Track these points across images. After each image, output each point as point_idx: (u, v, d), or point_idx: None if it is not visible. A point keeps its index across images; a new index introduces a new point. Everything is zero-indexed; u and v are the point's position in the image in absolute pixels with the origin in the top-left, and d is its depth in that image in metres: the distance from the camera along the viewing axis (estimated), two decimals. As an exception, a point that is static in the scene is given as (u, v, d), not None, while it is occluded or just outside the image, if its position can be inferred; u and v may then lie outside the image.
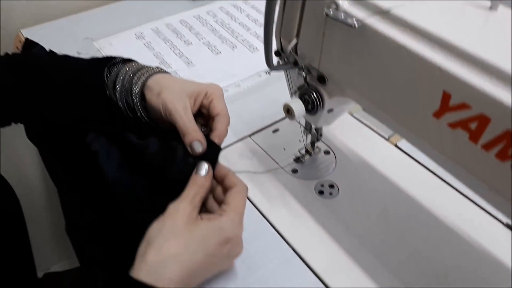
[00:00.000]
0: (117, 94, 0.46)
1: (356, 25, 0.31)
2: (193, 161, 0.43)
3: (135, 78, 0.45)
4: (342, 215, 0.50)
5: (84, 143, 0.54)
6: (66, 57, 0.52)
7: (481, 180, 0.29)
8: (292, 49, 0.40)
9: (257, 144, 0.59)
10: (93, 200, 0.53)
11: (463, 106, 0.28)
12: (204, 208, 0.43)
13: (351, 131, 0.61)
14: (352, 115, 0.64)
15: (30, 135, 0.66)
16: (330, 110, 0.43)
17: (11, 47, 0.83)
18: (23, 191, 0.60)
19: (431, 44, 0.29)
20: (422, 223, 0.49)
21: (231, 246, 0.40)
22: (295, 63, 0.42)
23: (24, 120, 0.53)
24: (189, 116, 0.43)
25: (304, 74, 0.41)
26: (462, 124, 0.28)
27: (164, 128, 0.47)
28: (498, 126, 0.26)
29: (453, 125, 0.29)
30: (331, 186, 0.54)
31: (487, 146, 0.27)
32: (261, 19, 0.84)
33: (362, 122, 0.63)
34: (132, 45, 0.77)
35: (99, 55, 0.74)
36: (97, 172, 0.50)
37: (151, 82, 0.45)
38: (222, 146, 0.58)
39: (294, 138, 0.59)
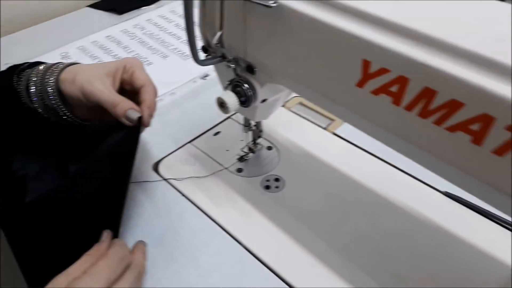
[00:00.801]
0: (33, 100, 0.43)
1: (272, 5, 0.31)
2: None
3: (47, 76, 0.43)
4: (290, 206, 0.50)
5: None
6: None
7: (407, 140, 0.30)
8: (217, 42, 0.40)
9: (199, 149, 0.58)
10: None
11: (382, 71, 0.29)
12: None
13: (290, 125, 0.62)
14: (289, 109, 0.65)
15: None
16: (264, 100, 0.43)
17: None
18: None
19: (345, 15, 0.29)
20: (365, 202, 0.50)
21: None
22: (223, 56, 0.41)
23: None
24: (112, 90, 0.42)
25: (233, 66, 0.40)
26: (384, 89, 0.29)
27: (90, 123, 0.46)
28: (417, 85, 0.27)
29: (376, 92, 0.30)
30: (277, 179, 0.54)
31: (409, 107, 0.28)
32: (191, 27, 0.84)
33: (299, 115, 0.64)
34: (57, 66, 0.74)
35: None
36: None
37: (63, 74, 0.43)
38: (163, 154, 0.57)
39: (236, 139, 0.59)
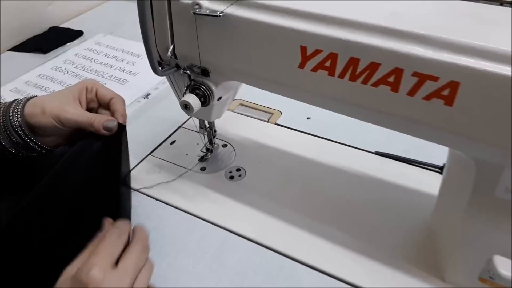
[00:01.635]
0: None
1: (221, 14, 0.39)
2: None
3: (11, 115, 0.45)
4: (255, 188, 0.57)
5: None
6: None
7: (344, 101, 0.39)
8: (171, 54, 0.46)
9: (160, 158, 0.63)
10: None
11: (317, 52, 0.37)
12: None
13: (237, 123, 0.69)
14: (233, 111, 0.72)
15: None
16: (219, 98, 0.50)
17: None
18: None
19: (281, 14, 0.37)
20: (313, 172, 0.59)
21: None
22: (178, 66, 0.47)
23: None
24: (84, 111, 0.47)
25: (188, 73, 0.47)
26: (320, 65, 0.38)
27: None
28: (344, 57, 0.36)
29: (314, 69, 0.38)
30: (238, 169, 0.60)
31: (341, 75, 0.37)
32: (120, 54, 0.89)
33: (243, 114, 0.71)
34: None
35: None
36: None
37: (28, 109, 0.46)
38: (127, 169, 0.61)
39: (192, 143, 0.65)
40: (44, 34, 0.97)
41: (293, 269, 0.47)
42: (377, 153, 0.62)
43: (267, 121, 0.70)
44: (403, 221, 0.52)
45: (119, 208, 0.47)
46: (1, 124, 0.46)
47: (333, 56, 0.37)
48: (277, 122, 0.69)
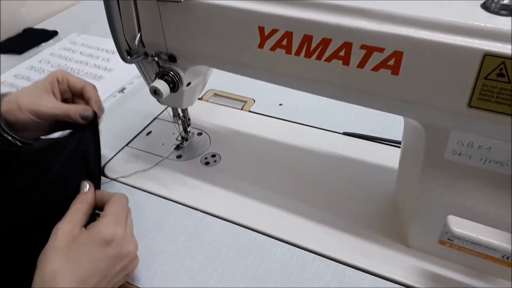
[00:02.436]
0: None
1: (181, 0, 0.41)
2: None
3: None
4: (230, 172, 0.59)
5: None
6: None
7: (302, 78, 0.41)
8: (138, 43, 0.48)
9: (137, 149, 0.64)
10: None
11: (274, 32, 0.39)
12: None
13: (212, 112, 0.71)
14: (207, 101, 0.74)
15: None
16: (188, 84, 0.52)
17: None
18: None
19: (238, -4, 0.40)
20: (285, 154, 0.62)
21: (116, 247, 0.40)
22: (146, 54, 0.49)
23: None
24: (59, 103, 0.49)
25: (156, 60, 0.49)
26: (278, 44, 0.40)
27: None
28: (298, 35, 0.38)
29: (272, 48, 0.40)
30: (213, 156, 0.62)
31: (297, 52, 0.39)
32: (95, 52, 0.90)
33: (217, 104, 0.73)
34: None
35: None
36: None
37: (3, 107, 0.47)
38: (105, 160, 0.62)
39: (167, 133, 0.66)
40: (18, 35, 0.98)
41: (265, 243, 0.49)
42: (345, 133, 0.64)
43: (241, 109, 0.72)
44: (370, 194, 0.55)
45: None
46: None
47: (288, 35, 0.39)
48: (251, 109, 0.72)
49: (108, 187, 0.58)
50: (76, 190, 0.46)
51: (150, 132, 0.68)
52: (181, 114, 0.62)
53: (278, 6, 0.39)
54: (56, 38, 0.97)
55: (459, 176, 0.40)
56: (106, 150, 0.64)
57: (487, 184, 0.39)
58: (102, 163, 0.62)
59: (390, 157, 0.58)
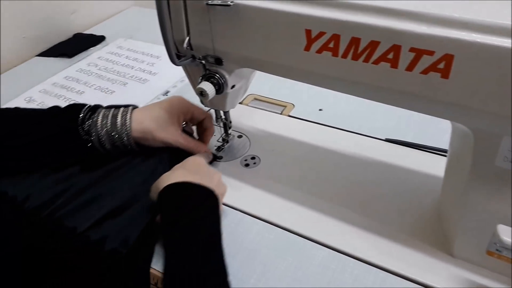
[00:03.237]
0: (104, 146, 0.53)
1: (230, 4, 0.42)
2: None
3: (119, 129, 0.52)
4: (269, 174, 0.60)
5: None
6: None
7: (348, 81, 0.41)
8: (187, 46, 0.50)
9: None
10: None
11: (320, 34, 0.40)
12: None
13: (252, 116, 0.72)
14: (247, 105, 0.75)
15: None
16: (233, 87, 0.53)
17: None
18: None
19: (285, 1, 0.41)
20: (326, 159, 0.62)
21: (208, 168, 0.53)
22: (193, 57, 0.51)
23: None
24: (185, 139, 0.56)
25: (203, 62, 0.50)
26: (324, 47, 0.40)
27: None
28: (346, 37, 0.39)
29: (319, 51, 0.41)
30: (253, 158, 0.63)
31: (344, 55, 0.40)
32: (140, 56, 0.94)
33: (257, 108, 0.74)
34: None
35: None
36: None
37: (136, 134, 0.53)
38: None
39: (209, 135, 0.68)
40: (69, 40, 1.03)
41: (305, 246, 0.49)
42: (387, 140, 0.64)
43: (280, 114, 0.72)
44: (413, 202, 0.54)
45: None
46: (108, 132, 0.52)
47: (335, 37, 0.39)
48: (290, 114, 0.72)
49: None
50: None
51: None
52: (223, 117, 0.63)
53: (326, 9, 0.39)
54: (103, 42, 1.02)
55: (509, 184, 0.39)
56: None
57: (540, 193, 0.38)
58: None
59: (434, 165, 0.57)
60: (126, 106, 0.55)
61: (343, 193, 0.56)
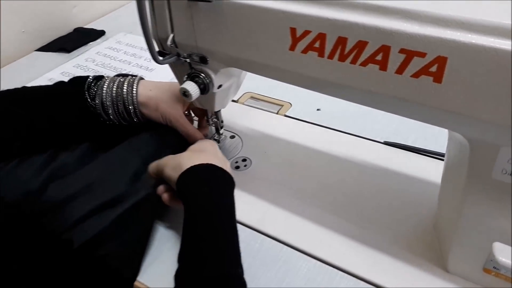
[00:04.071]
0: (108, 113, 0.53)
1: (212, 0, 0.39)
2: None
3: (125, 95, 0.53)
4: (260, 178, 0.57)
5: None
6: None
7: (334, 83, 0.38)
8: (171, 43, 0.47)
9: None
10: None
11: (306, 33, 0.37)
12: None
13: (247, 115, 0.69)
14: (243, 104, 0.73)
15: None
16: (220, 86, 0.50)
17: None
18: None
19: (270, -4, 0.38)
20: (321, 162, 0.59)
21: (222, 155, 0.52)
22: (178, 55, 0.48)
23: None
24: (185, 121, 0.55)
25: (188, 61, 0.48)
26: (310, 46, 0.37)
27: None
28: (332, 37, 0.36)
29: (304, 51, 0.38)
30: (244, 160, 0.61)
31: (330, 56, 0.37)
32: (139, 52, 0.92)
33: (253, 107, 0.72)
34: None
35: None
36: None
37: (142, 98, 0.53)
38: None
39: (200, 135, 0.66)
40: (69, 34, 1.02)
41: (291, 256, 0.47)
42: (386, 143, 0.60)
43: (277, 113, 0.70)
44: (409, 211, 0.51)
45: None
46: (115, 102, 0.53)
47: (321, 36, 0.36)
48: (287, 114, 0.69)
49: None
50: None
51: (183, 133, 0.67)
52: (214, 117, 0.60)
53: (311, 6, 0.36)
54: (103, 37, 1.00)
55: (508, 198, 0.36)
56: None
57: (541, 210, 0.35)
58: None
59: (434, 171, 0.54)
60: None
61: (336, 200, 0.53)
